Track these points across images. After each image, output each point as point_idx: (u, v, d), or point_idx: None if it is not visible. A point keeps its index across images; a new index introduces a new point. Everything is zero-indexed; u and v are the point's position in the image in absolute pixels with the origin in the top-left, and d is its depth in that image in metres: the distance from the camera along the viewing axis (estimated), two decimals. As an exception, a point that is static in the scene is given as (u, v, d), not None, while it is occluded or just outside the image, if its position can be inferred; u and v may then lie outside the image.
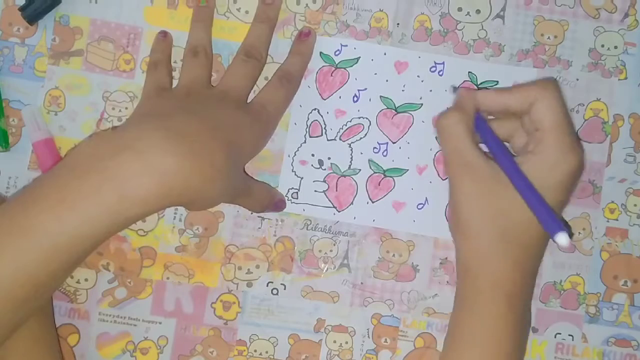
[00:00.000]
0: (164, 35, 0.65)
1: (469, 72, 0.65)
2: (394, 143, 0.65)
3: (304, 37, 0.64)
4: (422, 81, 0.65)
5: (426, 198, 0.65)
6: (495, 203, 0.56)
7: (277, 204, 0.64)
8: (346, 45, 0.65)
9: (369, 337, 0.64)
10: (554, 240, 0.52)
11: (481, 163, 0.56)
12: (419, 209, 0.65)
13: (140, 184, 0.48)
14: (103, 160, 0.49)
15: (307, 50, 0.64)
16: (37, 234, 0.47)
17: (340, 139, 0.65)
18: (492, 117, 0.61)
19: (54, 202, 0.48)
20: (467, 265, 0.58)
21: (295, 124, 0.65)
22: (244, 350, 0.64)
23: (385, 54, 0.65)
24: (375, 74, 0.65)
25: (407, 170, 0.65)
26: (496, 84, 0.65)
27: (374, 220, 0.64)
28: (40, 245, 0.48)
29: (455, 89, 0.63)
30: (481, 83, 0.65)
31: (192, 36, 0.64)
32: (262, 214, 0.64)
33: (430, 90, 0.65)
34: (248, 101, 0.62)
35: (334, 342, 0.64)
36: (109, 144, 0.50)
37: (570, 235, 0.51)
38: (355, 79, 0.65)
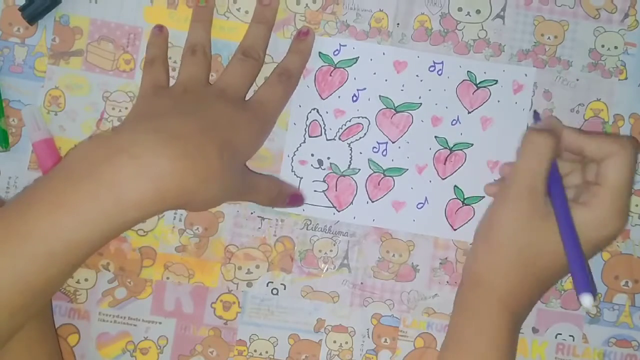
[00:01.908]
0: (159, 30, 0.65)
1: (467, 71, 0.65)
2: (393, 142, 0.65)
3: (303, 36, 0.64)
4: (421, 81, 0.65)
5: (426, 197, 0.65)
6: (531, 234, 0.56)
7: (292, 198, 0.63)
8: (345, 45, 0.65)
9: (369, 337, 0.64)
10: (578, 299, 0.53)
11: (543, 194, 0.57)
12: (418, 208, 0.65)
13: (136, 188, 0.48)
14: (99, 164, 0.49)
15: (306, 49, 0.64)
16: (34, 240, 0.47)
17: (339, 139, 0.65)
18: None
19: (51, 207, 0.48)
20: (481, 275, 0.59)
21: (294, 123, 0.65)
22: (244, 350, 0.64)
23: (384, 53, 0.65)
24: (375, 73, 0.65)
25: (407, 169, 0.65)
26: (495, 83, 0.65)
27: (373, 220, 0.64)
28: (37, 251, 0.48)
29: (536, 114, 0.64)
30: (480, 82, 0.65)
31: (191, 35, 0.64)
32: (262, 214, 0.64)
33: (430, 90, 0.65)
34: (246, 99, 0.62)
35: (334, 342, 0.64)
36: (104, 148, 0.50)
37: (595, 297, 0.53)
38: (355, 78, 0.65)
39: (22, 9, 0.63)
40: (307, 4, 0.65)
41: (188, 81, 0.61)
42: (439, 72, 0.65)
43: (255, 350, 0.64)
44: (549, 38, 0.66)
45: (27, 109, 0.64)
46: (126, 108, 0.64)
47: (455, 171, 0.65)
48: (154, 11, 0.65)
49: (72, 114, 0.64)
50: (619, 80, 0.66)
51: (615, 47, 0.66)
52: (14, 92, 0.64)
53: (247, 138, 0.58)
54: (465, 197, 0.65)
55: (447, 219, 0.65)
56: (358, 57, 0.65)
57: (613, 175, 0.56)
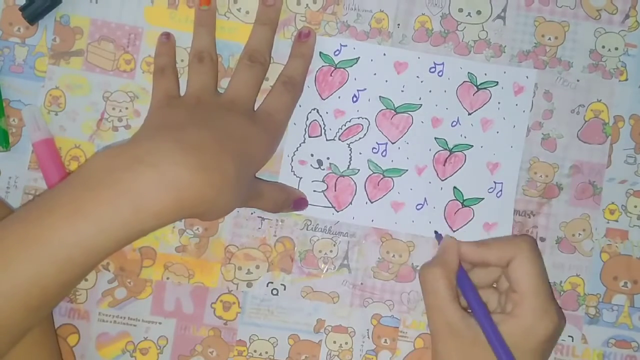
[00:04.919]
0: (166, 37, 0.65)
1: (468, 72, 0.65)
2: (393, 143, 0.65)
3: (304, 38, 0.64)
4: (421, 82, 0.65)
5: (425, 199, 0.65)
6: None
7: (297, 202, 0.64)
8: (346, 45, 0.65)
9: (368, 337, 0.64)
10: None
11: (460, 323, 0.57)
12: (417, 209, 0.65)
13: (155, 197, 0.49)
14: (118, 173, 0.49)
15: (308, 52, 0.64)
16: (52, 245, 0.48)
17: (339, 139, 0.65)
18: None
19: (70, 213, 0.48)
20: None
21: (294, 123, 0.65)
22: (244, 351, 0.64)
23: (384, 54, 0.65)
24: (375, 74, 0.65)
25: (406, 170, 0.65)
26: (496, 85, 0.65)
27: (372, 221, 0.64)
28: (55, 256, 0.48)
29: (437, 235, 0.63)
30: (480, 84, 0.65)
31: (196, 41, 0.64)
32: (262, 214, 0.64)
33: (430, 91, 0.65)
34: (255, 107, 0.62)
35: (334, 342, 0.64)
36: (123, 157, 0.50)
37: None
38: (355, 79, 0.65)
39: (23, 8, 0.63)
40: (307, 5, 0.65)
41: (199, 91, 0.61)
42: (440, 73, 0.65)
43: (255, 351, 0.64)
44: (549, 39, 0.66)
45: (27, 109, 0.64)
46: (126, 108, 0.64)
47: (454, 172, 0.65)
48: (154, 11, 0.65)
49: (73, 114, 0.64)
50: (620, 81, 0.66)
51: (616, 48, 0.66)
52: (14, 92, 0.64)
53: (259, 149, 0.59)
54: (464, 198, 0.65)
55: (446, 220, 0.65)
56: (359, 57, 0.65)
57: (522, 280, 0.57)
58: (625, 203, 0.65)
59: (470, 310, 0.58)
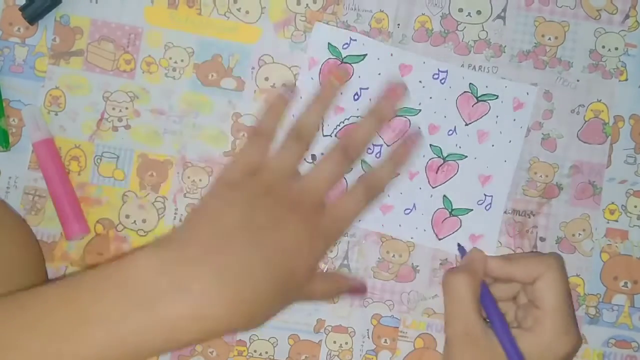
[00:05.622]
0: (291, 92, 0.60)
1: (470, 83, 0.65)
2: (388, 146, 0.65)
3: (410, 142, 0.60)
4: (423, 87, 0.65)
5: (414, 204, 0.65)
6: None
7: (353, 291, 0.61)
8: (355, 40, 0.65)
9: (368, 337, 0.64)
10: None
11: (481, 335, 0.56)
12: (406, 214, 0.65)
13: (187, 330, 0.47)
14: (158, 297, 0.46)
15: (405, 159, 0.60)
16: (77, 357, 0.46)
17: (335, 136, 0.65)
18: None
19: (104, 333, 0.46)
20: None
21: (292, 116, 0.63)
22: (244, 351, 0.64)
23: (392, 54, 0.65)
24: (379, 74, 0.65)
25: (398, 174, 0.64)
26: (495, 98, 0.65)
27: (359, 221, 0.63)
28: None
29: (460, 248, 0.63)
30: (480, 96, 0.65)
31: (306, 115, 0.58)
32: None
33: (430, 97, 0.65)
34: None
35: (334, 342, 0.64)
36: (168, 277, 0.47)
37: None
38: (359, 76, 0.65)
39: (23, 8, 0.63)
40: (307, 4, 0.65)
41: (276, 177, 0.55)
42: (442, 81, 0.65)
43: (255, 351, 0.64)
44: (549, 39, 0.66)
45: (27, 109, 0.64)
46: (126, 108, 0.64)
47: (446, 181, 0.65)
48: (154, 11, 0.65)
49: (72, 114, 0.64)
50: (620, 81, 0.66)
51: (616, 48, 0.66)
52: (14, 92, 0.64)
53: (309, 264, 0.53)
54: (453, 207, 0.65)
55: (432, 227, 0.65)
56: (366, 54, 0.65)
57: (548, 298, 0.57)
58: (625, 203, 0.65)
59: (488, 321, 0.58)
